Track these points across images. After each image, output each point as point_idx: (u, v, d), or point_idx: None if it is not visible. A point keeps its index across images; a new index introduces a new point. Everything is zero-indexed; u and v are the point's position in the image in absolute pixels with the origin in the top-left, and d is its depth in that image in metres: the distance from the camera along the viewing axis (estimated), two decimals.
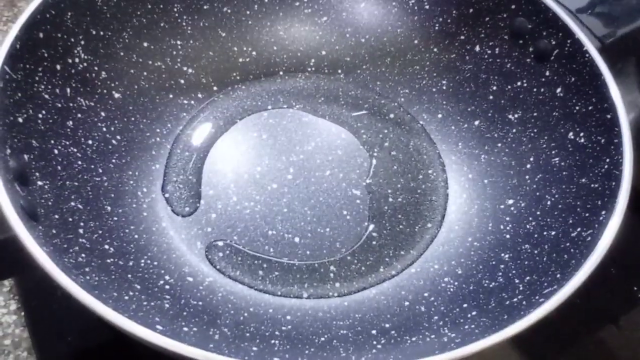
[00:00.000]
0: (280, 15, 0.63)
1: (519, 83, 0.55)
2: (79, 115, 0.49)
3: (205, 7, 0.59)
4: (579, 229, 0.43)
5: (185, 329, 0.40)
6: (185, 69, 0.59)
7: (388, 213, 0.53)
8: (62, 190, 0.44)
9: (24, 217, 0.36)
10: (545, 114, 0.52)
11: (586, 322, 0.54)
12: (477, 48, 0.57)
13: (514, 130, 0.54)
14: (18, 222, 0.35)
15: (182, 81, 0.58)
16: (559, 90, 0.51)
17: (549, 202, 0.48)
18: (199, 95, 0.59)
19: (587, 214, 0.44)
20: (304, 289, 0.48)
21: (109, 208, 0.48)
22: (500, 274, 0.46)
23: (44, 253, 0.34)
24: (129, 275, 0.43)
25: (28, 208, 0.38)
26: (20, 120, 0.42)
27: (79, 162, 0.47)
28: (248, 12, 0.61)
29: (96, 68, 0.52)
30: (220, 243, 0.50)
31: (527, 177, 0.51)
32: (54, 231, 0.40)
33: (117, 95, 0.53)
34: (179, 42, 0.58)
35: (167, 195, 0.52)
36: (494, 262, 0.47)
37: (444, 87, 0.60)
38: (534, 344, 0.51)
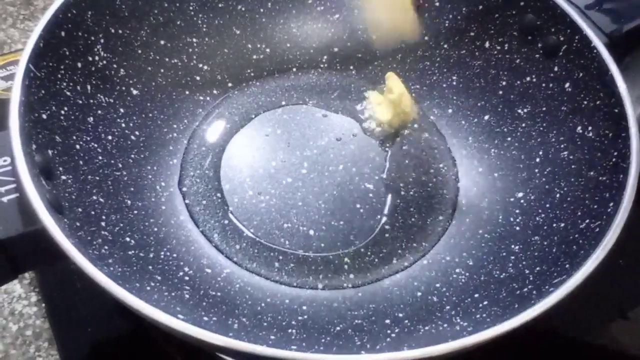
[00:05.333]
0: (293, 13, 0.63)
1: (528, 78, 0.55)
2: (99, 111, 0.50)
3: (220, 5, 0.60)
4: (587, 221, 0.44)
5: (205, 318, 0.41)
6: (200, 66, 0.60)
7: (400, 206, 0.54)
8: (84, 185, 0.45)
9: (51, 210, 0.37)
10: (554, 108, 0.53)
11: (595, 315, 0.55)
12: (487, 44, 0.58)
13: (524, 125, 0.55)
14: (46, 215, 0.36)
15: (198, 78, 0.59)
16: (567, 85, 0.52)
17: (558, 195, 0.49)
18: (214, 92, 0.60)
19: (595, 206, 0.45)
20: (319, 280, 0.49)
21: (129, 202, 0.49)
22: (510, 264, 0.46)
23: (71, 245, 0.35)
24: (150, 267, 0.44)
25: (54, 201, 0.39)
26: (44, 116, 0.43)
27: (100, 157, 0.48)
28: (262, 10, 0.62)
29: (115, 65, 0.53)
30: (237, 235, 0.51)
31: (536, 170, 0.52)
32: (78, 224, 0.41)
33: (135, 92, 0.54)
34: (194, 40, 0.59)
35: (184, 189, 0.53)
36: (504, 254, 0.48)
37: (454, 83, 0.60)
38: (543, 338, 0.52)
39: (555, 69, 0.53)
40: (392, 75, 0.59)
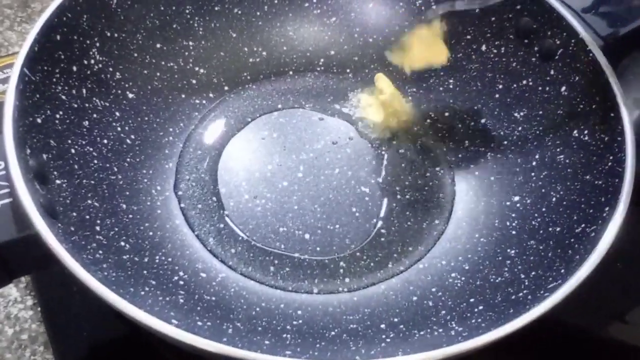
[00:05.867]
0: (289, 16, 0.63)
1: (524, 82, 0.55)
2: (95, 115, 0.50)
3: (216, 8, 0.60)
4: (583, 225, 0.44)
5: (200, 323, 0.41)
6: (197, 69, 0.60)
7: (396, 210, 0.54)
8: (79, 189, 0.45)
9: (44, 214, 0.37)
10: (550, 112, 0.53)
11: (593, 318, 0.55)
12: (484, 47, 0.58)
13: (520, 128, 0.55)
14: (39, 220, 0.36)
15: (194, 81, 0.59)
16: (563, 88, 0.52)
17: (554, 199, 0.49)
18: (211, 95, 0.60)
19: (591, 211, 0.45)
20: (314, 284, 0.49)
21: (124, 206, 0.49)
22: (506, 269, 0.46)
23: (64, 250, 0.35)
24: (145, 272, 0.44)
25: (47, 206, 0.39)
26: (39, 120, 0.43)
27: (95, 161, 0.48)
28: (258, 13, 0.62)
29: (111, 69, 0.53)
30: (233, 239, 0.51)
31: (532, 174, 0.52)
32: (72, 228, 0.41)
33: (131, 95, 0.54)
34: (190, 43, 0.59)
35: (180, 193, 0.53)
36: (500, 258, 0.48)
37: (451, 86, 0.60)
38: (541, 341, 0.52)
39: (552, 72, 0.53)
40: (381, 76, 0.60)
